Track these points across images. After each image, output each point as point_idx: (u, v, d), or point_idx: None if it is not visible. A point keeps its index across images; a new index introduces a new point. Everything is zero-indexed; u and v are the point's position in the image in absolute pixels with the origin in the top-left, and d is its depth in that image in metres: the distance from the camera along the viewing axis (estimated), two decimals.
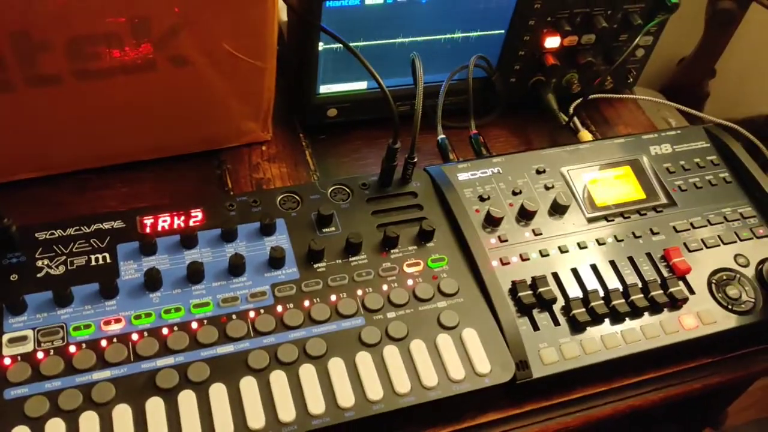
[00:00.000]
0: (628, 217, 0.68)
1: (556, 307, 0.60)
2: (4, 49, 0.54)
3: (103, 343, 0.52)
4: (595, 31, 0.76)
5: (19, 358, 0.50)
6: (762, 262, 0.67)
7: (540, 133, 0.81)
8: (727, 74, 1.25)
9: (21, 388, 0.49)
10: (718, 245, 0.67)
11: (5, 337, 0.51)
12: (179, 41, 0.60)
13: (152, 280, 0.55)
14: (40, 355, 0.51)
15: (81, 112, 0.61)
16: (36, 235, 0.57)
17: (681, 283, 0.64)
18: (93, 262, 0.56)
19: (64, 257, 0.56)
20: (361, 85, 0.74)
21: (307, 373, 0.52)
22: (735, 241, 0.68)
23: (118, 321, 0.53)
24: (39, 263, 0.55)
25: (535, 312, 0.60)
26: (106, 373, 0.50)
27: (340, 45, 0.65)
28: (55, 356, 0.50)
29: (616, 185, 0.70)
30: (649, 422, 0.75)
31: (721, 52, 1.16)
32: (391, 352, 0.54)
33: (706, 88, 1.24)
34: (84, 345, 0.51)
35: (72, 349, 0.51)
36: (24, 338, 0.51)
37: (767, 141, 0.88)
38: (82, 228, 0.58)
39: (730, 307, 0.63)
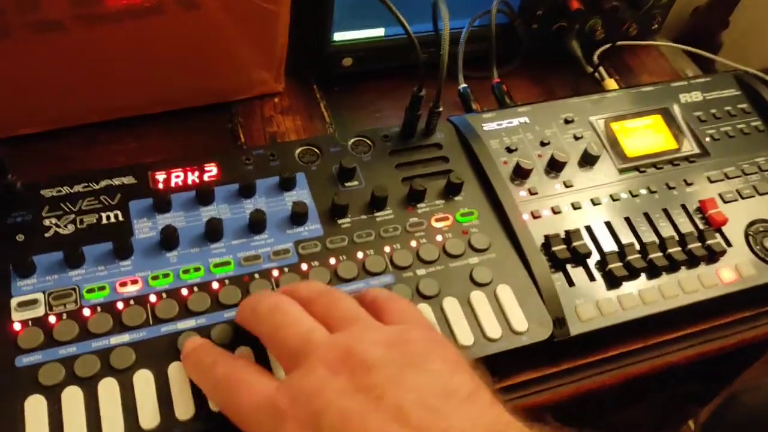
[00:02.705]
0: (661, 168, 0.65)
1: (591, 262, 0.58)
2: None
3: (120, 305, 0.48)
4: None
5: (30, 323, 0.47)
6: None
7: (562, 82, 0.77)
8: (740, 25, 1.22)
9: (34, 355, 0.45)
10: (753, 196, 0.65)
11: (14, 301, 0.47)
12: None
13: (169, 239, 0.51)
14: (52, 319, 0.47)
15: (87, 61, 0.57)
16: (42, 192, 0.53)
17: (718, 235, 0.61)
18: (104, 220, 0.52)
19: (73, 215, 0.52)
20: (378, 32, 0.70)
21: None
22: None
23: (134, 282, 0.50)
24: (46, 222, 0.51)
25: (569, 267, 0.57)
26: (125, 337, 0.47)
27: None
28: (68, 320, 0.47)
29: (647, 135, 0.67)
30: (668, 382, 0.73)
31: (737, 1, 1.12)
32: (423, 311, 0.51)
33: (719, 38, 1.20)
34: (99, 308, 0.48)
35: (86, 312, 0.48)
36: (34, 302, 0.48)
37: None
38: (90, 184, 0.54)
39: None
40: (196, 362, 0.44)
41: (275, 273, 0.52)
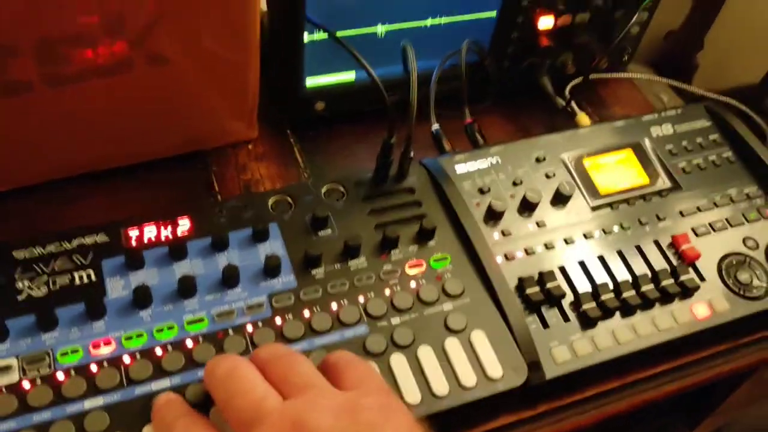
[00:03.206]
0: (633, 204, 0.65)
1: (565, 303, 0.58)
2: None
3: (93, 368, 0.48)
4: (590, 9, 0.73)
5: (3, 389, 0.47)
6: None
7: (534, 118, 0.78)
8: (715, 46, 1.23)
9: (7, 423, 0.45)
10: (726, 228, 0.65)
11: None
12: (156, 38, 0.56)
13: (142, 297, 0.51)
14: (26, 384, 0.47)
15: (55, 120, 0.57)
16: (14, 253, 0.53)
17: (691, 270, 0.62)
18: (77, 281, 0.52)
19: (46, 276, 0.52)
20: (349, 76, 0.70)
21: None
22: (743, 224, 0.66)
23: (107, 343, 0.50)
24: (19, 285, 0.52)
25: (543, 309, 0.57)
26: (99, 401, 0.47)
27: (326, 34, 0.62)
28: (42, 385, 0.47)
29: (619, 170, 0.67)
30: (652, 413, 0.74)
31: (711, 24, 1.14)
32: (398, 361, 0.52)
33: (694, 60, 1.21)
34: (73, 371, 0.48)
35: (60, 376, 0.48)
36: (8, 368, 0.48)
37: (757, 112, 0.86)
38: (63, 244, 0.54)
39: (742, 293, 0.61)
40: (159, 420, 0.44)
41: (249, 328, 0.52)
